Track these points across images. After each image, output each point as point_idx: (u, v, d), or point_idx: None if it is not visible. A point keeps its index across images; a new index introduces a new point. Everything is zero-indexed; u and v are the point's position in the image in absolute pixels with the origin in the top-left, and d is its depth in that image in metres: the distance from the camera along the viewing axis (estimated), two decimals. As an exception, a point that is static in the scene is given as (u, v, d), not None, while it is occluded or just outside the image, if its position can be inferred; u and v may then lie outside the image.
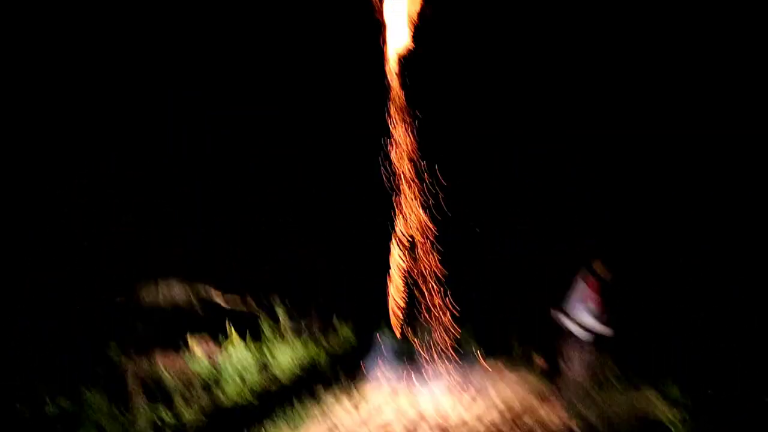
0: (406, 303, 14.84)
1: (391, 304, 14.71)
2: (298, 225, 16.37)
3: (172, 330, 15.44)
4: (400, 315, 14.65)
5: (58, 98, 14.28)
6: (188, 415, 9.46)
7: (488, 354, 12.01)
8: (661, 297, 12.47)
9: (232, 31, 15.37)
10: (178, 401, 9.86)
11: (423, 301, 14.86)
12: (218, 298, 16.16)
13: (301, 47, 16.19)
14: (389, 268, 15.06)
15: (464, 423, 8.62)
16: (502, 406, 9.01)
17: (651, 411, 8.69)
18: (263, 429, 8.60)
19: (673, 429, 8.03)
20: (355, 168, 16.35)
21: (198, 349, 12.17)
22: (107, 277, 19.70)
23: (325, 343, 12.53)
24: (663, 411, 8.62)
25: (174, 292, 19.42)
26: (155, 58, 14.52)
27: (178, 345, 13.62)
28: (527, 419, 8.56)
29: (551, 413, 8.70)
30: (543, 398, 9.20)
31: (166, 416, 9.23)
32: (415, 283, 15.16)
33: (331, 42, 16.16)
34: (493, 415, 8.73)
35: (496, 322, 13.63)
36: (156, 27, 14.24)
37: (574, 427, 8.27)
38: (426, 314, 14.57)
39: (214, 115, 16.13)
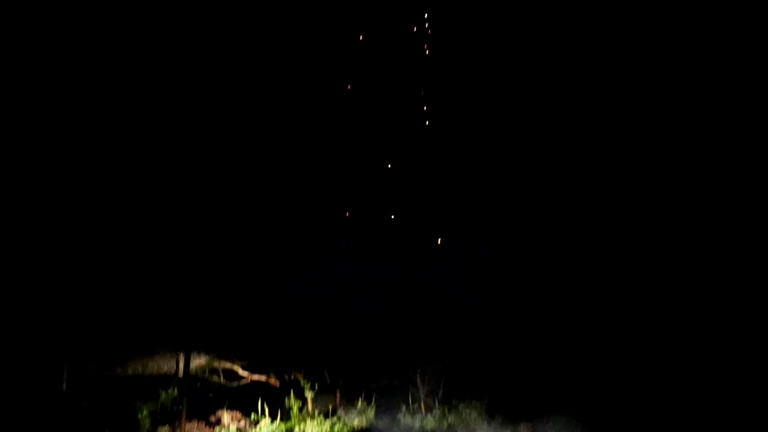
0: (424, 385, 15.66)
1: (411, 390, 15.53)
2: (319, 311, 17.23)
3: (200, 402, 16.17)
4: (421, 397, 15.44)
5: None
6: (228, 485, 10.22)
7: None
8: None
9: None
10: (217, 471, 10.64)
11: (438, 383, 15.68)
12: (244, 374, 16.93)
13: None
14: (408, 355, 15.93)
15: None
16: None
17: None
18: (299, 501, 9.35)
19: None
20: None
21: (232, 425, 12.96)
22: (127, 346, 20.42)
23: (350, 424, 13.31)
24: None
25: (198, 364, 20.13)
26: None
27: (209, 418, 14.38)
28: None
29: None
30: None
31: (209, 485, 10.00)
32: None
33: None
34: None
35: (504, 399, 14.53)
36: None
37: None
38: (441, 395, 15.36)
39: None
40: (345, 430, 12.72)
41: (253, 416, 13.17)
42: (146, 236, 16.71)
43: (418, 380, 15.78)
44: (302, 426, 12.34)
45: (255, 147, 16.96)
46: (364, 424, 13.43)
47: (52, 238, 15.75)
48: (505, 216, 17.15)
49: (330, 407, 14.60)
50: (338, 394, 15.51)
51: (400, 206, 17.30)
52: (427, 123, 17.65)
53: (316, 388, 14.92)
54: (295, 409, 13.34)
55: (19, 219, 14.81)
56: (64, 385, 17.32)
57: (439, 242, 17.21)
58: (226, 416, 13.44)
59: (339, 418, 13.59)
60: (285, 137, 17.35)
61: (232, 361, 17.08)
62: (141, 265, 17.04)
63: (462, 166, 17.85)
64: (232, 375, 17.22)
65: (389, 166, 16.81)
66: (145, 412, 14.19)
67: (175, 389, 16.13)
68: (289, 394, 14.00)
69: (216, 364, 17.52)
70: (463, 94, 17.90)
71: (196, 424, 13.39)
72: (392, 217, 16.31)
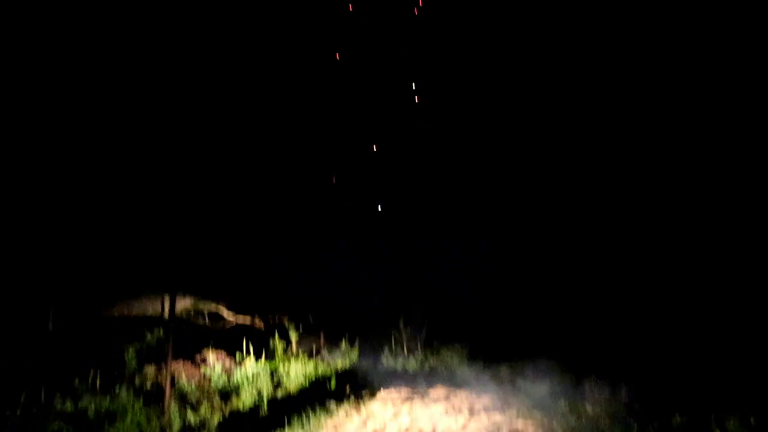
0: (403, 330, 15.94)
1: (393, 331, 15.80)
2: (308, 256, 17.38)
3: (185, 343, 16.35)
4: (403, 341, 15.72)
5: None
6: (213, 419, 10.43)
7: (479, 375, 13.20)
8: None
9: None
10: (202, 407, 10.82)
11: (420, 328, 15.96)
12: (229, 317, 17.11)
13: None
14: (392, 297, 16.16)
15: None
16: (489, 423, 10.02)
17: None
18: (281, 435, 9.57)
19: None
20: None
21: (217, 364, 13.12)
22: (113, 289, 20.55)
23: (334, 364, 13.55)
24: None
25: (184, 306, 20.30)
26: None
27: (195, 358, 14.56)
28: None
29: (530, 428, 9.76)
30: (526, 417, 10.28)
31: (194, 419, 10.19)
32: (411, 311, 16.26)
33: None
34: (481, 428, 9.76)
35: (485, 345, 14.86)
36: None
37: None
38: (423, 340, 15.66)
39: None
40: (329, 370, 12.94)
41: (238, 356, 13.34)
42: (136, 185, 16.66)
43: (401, 324, 16.03)
44: (287, 366, 12.53)
45: (255, 146, 17.11)
46: (347, 365, 13.67)
47: (42, 186, 15.70)
48: (504, 216, 17.36)
49: (314, 349, 14.84)
50: (322, 337, 15.74)
51: (400, 206, 17.44)
52: (425, 122, 17.66)
53: (301, 330, 15.14)
54: (279, 350, 13.53)
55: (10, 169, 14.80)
56: (51, 325, 17.45)
57: (438, 242, 17.44)
58: (211, 356, 13.59)
59: (323, 359, 13.84)
60: (285, 138, 17.47)
61: (217, 303, 17.25)
62: (128, 209, 17.02)
63: (462, 166, 17.95)
64: (217, 317, 17.42)
65: (374, 148, 16.83)
66: (131, 352, 14.30)
67: (161, 330, 16.29)
68: (274, 336, 14.16)
69: (201, 306, 17.70)
70: (463, 94, 17.89)
71: (182, 364, 13.53)
72: (379, 209, 16.37)
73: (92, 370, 11.20)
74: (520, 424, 9.88)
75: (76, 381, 10.64)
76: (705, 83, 14.47)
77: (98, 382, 10.89)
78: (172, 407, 10.13)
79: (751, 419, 9.45)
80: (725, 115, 14.34)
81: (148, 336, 15.91)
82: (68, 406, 10.06)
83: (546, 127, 17.10)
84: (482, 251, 16.99)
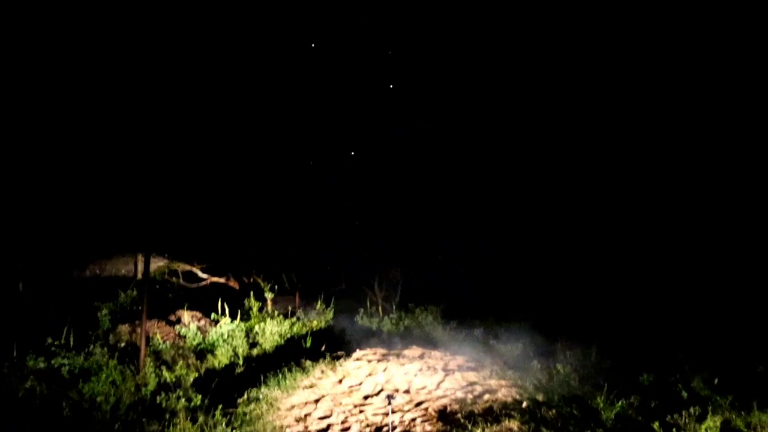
0: (378, 291, 16.02)
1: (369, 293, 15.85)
2: (281, 214, 17.24)
3: (159, 302, 16.24)
4: (378, 301, 15.81)
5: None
6: (188, 377, 10.39)
7: (453, 336, 13.38)
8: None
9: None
10: (178, 366, 10.76)
11: (395, 289, 16.05)
12: (203, 276, 16.99)
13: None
14: (368, 259, 16.17)
15: (429, 393, 9.76)
16: (463, 382, 10.17)
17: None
18: (258, 392, 9.53)
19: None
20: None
21: (192, 324, 13.05)
22: (84, 249, 20.22)
23: (309, 324, 13.57)
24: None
25: (158, 266, 20.09)
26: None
27: (169, 317, 14.48)
28: (485, 395, 9.72)
29: (504, 388, 9.92)
30: (500, 376, 10.44)
31: (170, 377, 10.13)
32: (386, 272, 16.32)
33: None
34: (455, 387, 9.91)
35: (459, 308, 15.04)
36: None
37: (518, 396, 9.54)
38: (398, 301, 15.77)
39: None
40: (304, 329, 12.97)
41: (213, 316, 13.28)
42: (109, 143, 16.30)
43: (376, 286, 16.10)
44: (262, 325, 12.51)
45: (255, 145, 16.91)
46: (322, 325, 13.72)
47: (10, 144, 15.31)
48: (503, 215, 17.40)
49: (289, 309, 14.84)
50: (297, 297, 15.77)
51: (400, 206, 17.33)
52: (425, 122, 17.53)
53: (276, 290, 15.11)
54: (255, 310, 13.49)
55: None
56: (20, 286, 17.18)
57: (438, 242, 17.44)
58: (185, 315, 13.54)
59: (298, 319, 13.85)
60: (285, 138, 17.26)
61: (192, 264, 17.09)
62: (101, 169, 16.66)
63: (462, 166, 17.88)
64: (191, 277, 17.29)
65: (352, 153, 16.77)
66: (104, 311, 14.16)
67: (134, 290, 16.13)
68: (249, 296, 14.11)
69: (175, 266, 17.53)
70: (463, 94, 17.74)
71: (156, 323, 13.45)
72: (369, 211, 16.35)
73: (65, 329, 11.02)
74: (493, 382, 10.04)
75: (49, 339, 10.44)
76: (705, 83, 14.56)
77: (71, 341, 10.72)
78: (148, 365, 10.04)
79: (715, 380, 9.72)
80: (723, 113, 14.49)
81: (122, 296, 15.75)
82: (41, 364, 9.89)
83: (545, 126, 17.18)
84: (481, 251, 17.10)
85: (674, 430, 6.64)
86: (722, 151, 14.18)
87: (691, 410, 7.67)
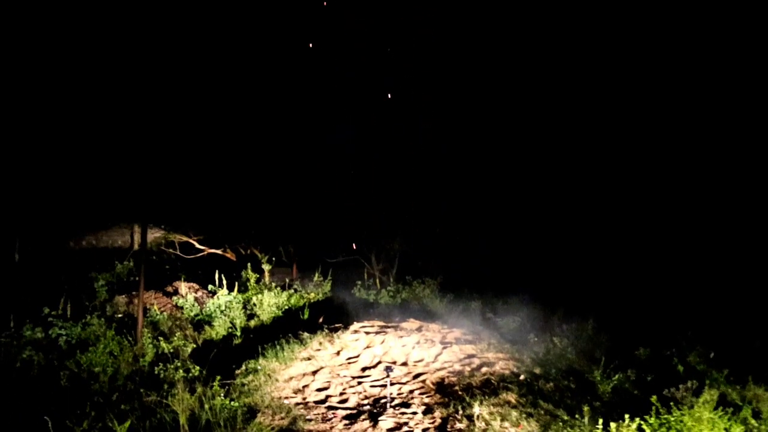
0: (376, 263, 15.96)
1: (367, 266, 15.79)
2: (279, 186, 17.09)
3: (157, 274, 16.18)
4: (376, 274, 15.77)
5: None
6: (186, 348, 10.35)
7: (451, 309, 13.38)
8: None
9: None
10: (176, 337, 10.72)
11: (392, 261, 15.98)
12: (200, 247, 16.88)
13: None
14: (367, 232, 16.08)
15: (427, 365, 9.76)
16: (461, 355, 10.17)
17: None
18: (256, 363, 9.50)
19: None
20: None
21: (189, 295, 13.00)
22: (83, 220, 20.08)
23: (307, 296, 13.53)
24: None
25: (155, 237, 19.99)
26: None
27: (166, 288, 14.41)
28: (483, 368, 9.73)
29: (501, 361, 9.92)
30: (497, 349, 10.44)
31: (167, 348, 10.09)
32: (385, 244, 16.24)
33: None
34: (453, 359, 9.91)
35: (457, 281, 15.02)
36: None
37: (515, 369, 9.55)
38: (396, 273, 15.72)
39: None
40: (301, 301, 12.94)
41: (210, 287, 13.22)
42: (107, 116, 16.12)
43: (373, 258, 16.05)
44: (259, 297, 12.46)
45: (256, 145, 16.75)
46: (320, 297, 13.69)
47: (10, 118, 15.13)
48: (503, 192, 17.26)
49: (287, 281, 14.81)
50: (294, 268, 15.73)
51: (399, 180, 17.14)
52: (425, 122, 17.33)
53: (273, 262, 15.04)
54: (252, 281, 13.44)
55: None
56: (16, 256, 17.08)
57: (437, 216, 17.29)
58: (183, 287, 13.47)
59: (295, 291, 13.81)
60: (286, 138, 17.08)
61: (189, 235, 16.99)
62: (97, 140, 16.47)
63: (461, 166, 17.69)
64: (189, 248, 17.20)
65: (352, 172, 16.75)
66: (101, 282, 14.10)
67: (131, 261, 16.07)
68: (247, 268, 14.05)
69: (172, 237, 17.42)
70: (463, 94, 17.51)
71: (153, 294, 13.40)
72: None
73: (62, 300, 10.95)
74: (491, 355, 10.04)
75: (46, 310, 10.38)
76: (705, 83, 14.44)
77: (68, 311, 10.65)
78: (145, 336, 10.00)
79: (711, 354, 9.74)
80: (721, 110, 14.38)
81: (119, 266, 15.68)
82: (39, 334, 9.84)
83: (544, 125, 17.06)
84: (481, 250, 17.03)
85: (672, 403, 6.62)
86: (719, 133, 14.10)
87: (688, 384, 7.68)
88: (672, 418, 6.33)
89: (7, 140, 15.50)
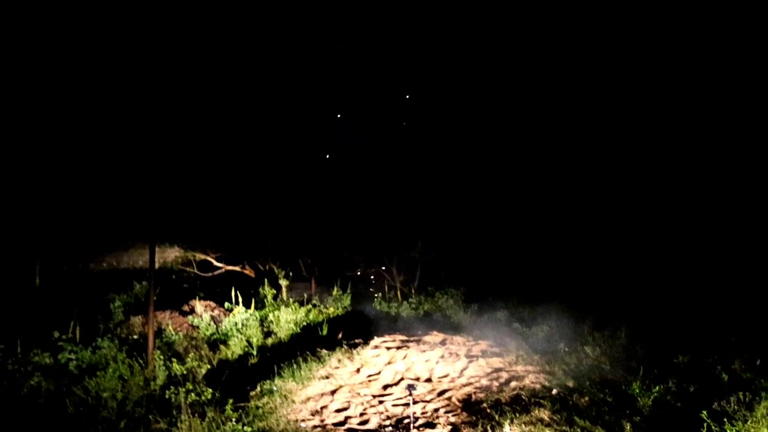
0: (396, 275, 15.34)
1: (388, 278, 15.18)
2: (297, 201, 16.63)
3: (174, 292, 15.74)
4: (397, 285, 15.14)
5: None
6: (200, 370, 9.81)
7: (475, 320, 12.69)
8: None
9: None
10: (189, 357, 10.18)
11: (414, 272, 15.35)
12: (218, 265, 16.43)
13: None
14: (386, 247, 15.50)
15: (452, 381, 9.09)
16: (488, 369, 9.48)
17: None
18: (271, 384, 8.92)
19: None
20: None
21: (205, 313, 12.49)
22: (101, 241, 19.82)
23: (326, 311, 12.91)
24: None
25: (173, 255, 19.62)
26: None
27: (183, 307, 13.93)
28: (512, 382, 9.04)
29: (531, 374, 9.21)
30: (526, 362, 9.73)
31: (180, 370, 9.54)
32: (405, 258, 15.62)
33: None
34: (479, 374, 9.23)
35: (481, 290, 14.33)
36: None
37: (546, 383, 8.82)
38: (417, 284, 15.09)
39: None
40: (320, 317, 12.34)
41: (227, 305, 12.71)
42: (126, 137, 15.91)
43: (394, 270, 15.43)
44: (277, 313, 11.92)
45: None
46: (339, 311, 13.07)
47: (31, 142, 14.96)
48: (526, 193, 16.75)
49: (305, 296, 14.24)
50: (313, 283, 15.16)
51: (418, 190, 16.69)
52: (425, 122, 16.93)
53: (291, 277, 14.51)
54: (269, 298, 12.91)
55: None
56: (37, 280, 16.79)
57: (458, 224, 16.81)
58: (198, 305, 12.97)
59: (314, 306, 13.22)
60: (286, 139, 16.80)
61: (206, 253, 16.56)
62: (118, 162, 16.24)
63: (461, 166, 17.25)
64: (206, 266, 16.76)
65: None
66: (117, 303, 13.69)
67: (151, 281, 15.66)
68: (264, 284, 13.53)
69: (190, 255, 17.02)
70: (463, 94, 17.11)
71: (169, 314, 12.91)
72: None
73: (72, 323, 10.47)
74: (519, 368, 9.33)
75: (56, 333, 9.89)
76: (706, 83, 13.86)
77: (78, 334, 10.16)
78: (157, 358, 9.45)
79: (757, 361, 8.92)
80: (719, 108, 13.77)
81: (137, 287, 15.30)
82: (47, 359, 9.36)
83: (543, 125, 16.55)
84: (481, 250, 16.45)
85: (725, 419, 5.89)
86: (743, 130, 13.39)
87: (740, 395, 6.90)
88: (727, 437, 5.59)
89: (30, 164, 15.33)
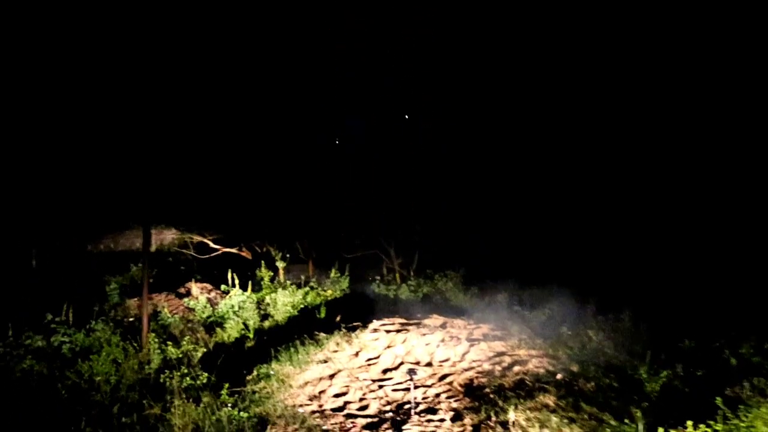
0: (395, 257, 15.04)
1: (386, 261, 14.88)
2: (294, 183, 16.29)
3: (171, 275, 15.45)
4: (396, 268, 14.84)
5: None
6: (196, 353, 9.54)
7: (476, 302, 12.40)
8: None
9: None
10: (185, 341, 9.89)
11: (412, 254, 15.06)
12: (215, 247, 16.12)
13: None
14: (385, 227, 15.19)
15: (454, 365, 8.82)
16: (490, 353, 9.22)
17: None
18: (268, 368, 8.65)
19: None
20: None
21: (201, 296, 12.20)
22: (101, 224, 19.50)
23: (323, 294, 12.63)
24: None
25: (169, 238, 19.31)
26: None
27: (179, 289, 13.64)
28: (515, 366, 8.78)
29: (534, 359, 8.95)
30: (529, 346, 9.47)
31: (175, 353, 9.26)
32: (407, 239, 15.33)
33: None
34: (481, 358, 8.96)
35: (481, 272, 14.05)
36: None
37: (550, 368, 8.57)
38: (417, 266, 14.80)
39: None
40: (318, 299, 12.06)
41: (223, 287, 12.42)
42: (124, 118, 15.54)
43: (392, 252, 15.14)
44: (274, 296, 11.64)
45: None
46: (337, 294, 12.80)
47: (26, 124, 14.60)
48: (526, 174, 16.44)
49: (303, 278, 13.94)
50: (311, 265, 14.88)
51: (416, 171, 16.35)
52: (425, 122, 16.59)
53: (288, 259, 14.22)
54: (266, 280, 12.60)
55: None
56: (34, 262, 16.50)
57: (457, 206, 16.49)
58: (195, 287, 12.71)
59: (312, 288, 12.92)
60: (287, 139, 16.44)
61: (203, 235, 16.26)
62: (115, 145, 15.87)
63: (461, 166, 16.92)
64: (203, 248, 16.48)
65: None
66: (113, 285, 13.41)
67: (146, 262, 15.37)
68: (261, 266, 13.23)
69: (187, 237, 16.72)
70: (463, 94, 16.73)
71: (164, 296, 12.65)
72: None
73: (65, 305, 10.17)
74: (522, 352, 9.07)
75: (49, 316, 9.59)
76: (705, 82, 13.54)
77: (71, 317, 9.86)
78: (152, 341, 9.19)
79: (766, 345, 8.64)
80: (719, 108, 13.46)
81: (133, 269, 15.01)
82: (39, 342, 9.07)
83: (543, 125, 16.25)
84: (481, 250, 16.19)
85: (741, 407, 5.63)
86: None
87: (754, 381, 6.63)
88: (743, 424, 5.32)
89: (27, 146, 14.98)
